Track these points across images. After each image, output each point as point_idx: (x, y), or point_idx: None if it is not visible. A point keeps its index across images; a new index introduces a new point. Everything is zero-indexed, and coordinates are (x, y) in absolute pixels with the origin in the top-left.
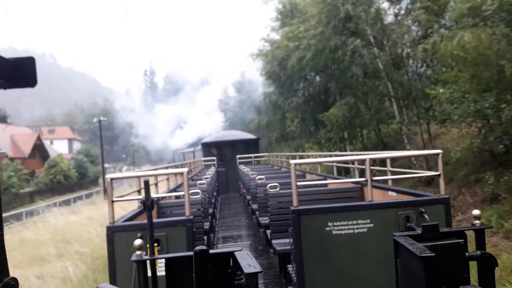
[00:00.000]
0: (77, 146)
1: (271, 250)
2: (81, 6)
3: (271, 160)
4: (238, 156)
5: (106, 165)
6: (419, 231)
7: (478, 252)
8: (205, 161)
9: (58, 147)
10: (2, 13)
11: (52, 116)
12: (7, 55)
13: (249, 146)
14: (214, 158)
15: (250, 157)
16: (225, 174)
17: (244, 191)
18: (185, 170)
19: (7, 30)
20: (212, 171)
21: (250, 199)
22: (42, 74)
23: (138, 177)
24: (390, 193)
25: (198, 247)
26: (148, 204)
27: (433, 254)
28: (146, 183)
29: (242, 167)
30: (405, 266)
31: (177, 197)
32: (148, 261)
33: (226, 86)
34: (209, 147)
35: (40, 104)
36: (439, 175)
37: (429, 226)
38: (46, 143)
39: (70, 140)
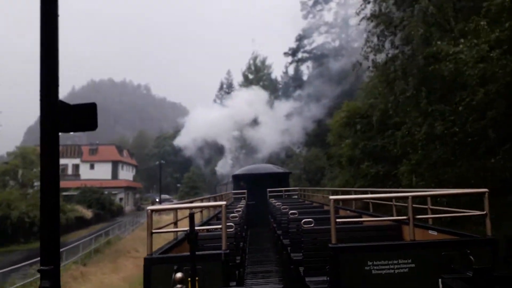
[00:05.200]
0: (127, 171)
1: None
2: (173, 39)
3: (301, 195)
4: (268, 189)
5: (167, 196)
6: (469, 274)
7: None
8: (235, 193)
9: (99, 172)
10: (103, 48)
11: (125, 138)
12: (106, 87)
13: (280, 180)
14: (245, 191)
15: (281, 191)
16: (254, 208)
17: (275, 225)
18: (223, 203)
19: (106, 63)
20: (242, 204)
21: (281, 234)
22: (136, 104)
23: (176, 209)
24: (431, 232)
25: None
26: (192, 237)
27: None
28: (191, 216)
29: (273, 201)
30: None
31: (208, 229)
32: None
33: None
34: (239, 180)
35: (131, 133)
36: (485, 214)
37: (481, 270)
38: (85, 167)
39: (115, 163)
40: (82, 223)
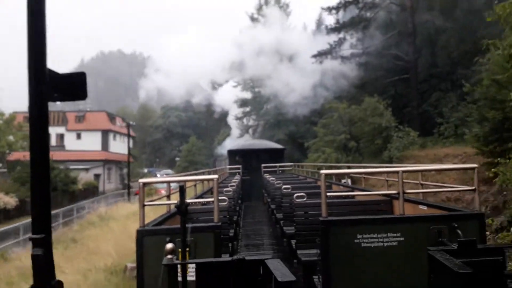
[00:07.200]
0: (121, 142)
1: (295, 261)
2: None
3: (295, 171)
4: (263, 165)
5: (169, 171)
6: (454, 246)
7: None
8: (230, 169)
9: (86, 143)
10: (111, 19)
11: (128, 109)
12: (116, 58)
13: (275, 155)
14: (240, 166)
15: (275, 167)
16: (249, 183)
17: (269, 200)
18: (215, 176)
19: (116, 35)
20: (237, 179)
21: (275, 208)
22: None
23: (168, 182)
24: (421, 206)
25: (236, 256)
26: (182, 209)
27: (471, 271)
28: (182, 188)
29: (267, 176)
30: (440, 282)
31: (203, 203)
32: (178, 266)
33: None
34: (234, 155)
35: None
36: (474, 190)
37: (465, 242)
38: (70, 137)
39: (105, 132)
40: None
